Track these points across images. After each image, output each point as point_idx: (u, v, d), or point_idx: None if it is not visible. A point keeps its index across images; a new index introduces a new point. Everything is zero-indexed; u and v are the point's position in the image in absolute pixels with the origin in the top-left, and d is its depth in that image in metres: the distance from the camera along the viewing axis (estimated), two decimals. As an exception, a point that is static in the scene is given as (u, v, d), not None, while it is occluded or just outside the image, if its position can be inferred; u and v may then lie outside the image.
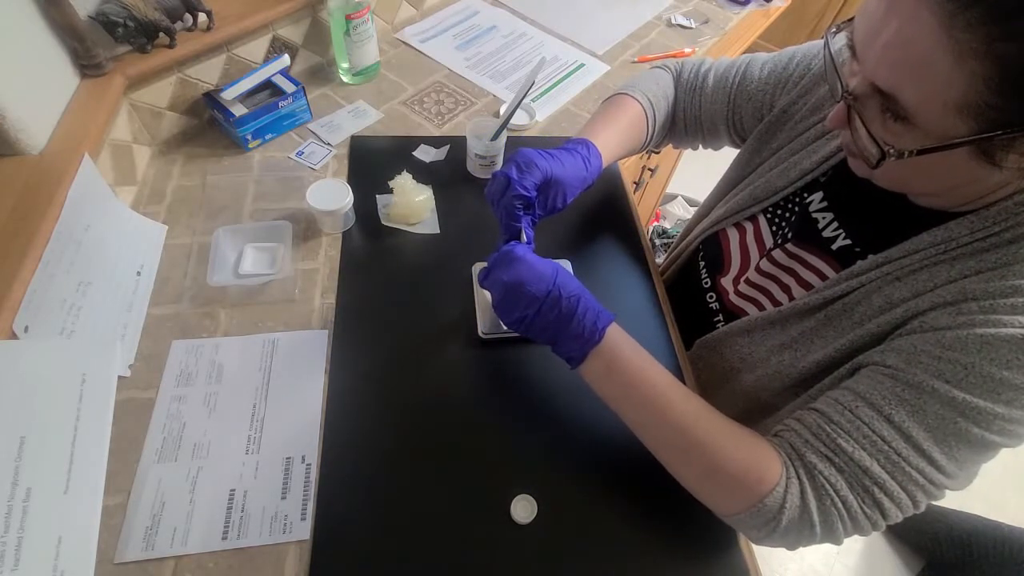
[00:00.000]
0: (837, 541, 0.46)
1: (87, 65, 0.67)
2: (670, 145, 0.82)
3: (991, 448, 0.42)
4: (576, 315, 0.50)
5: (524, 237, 0.57)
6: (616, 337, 0.52)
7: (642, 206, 1.62)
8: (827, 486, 0.44)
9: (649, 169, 1.35)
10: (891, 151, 0.40)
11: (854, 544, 1.46)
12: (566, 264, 0.72)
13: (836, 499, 0.44)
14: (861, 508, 0.44)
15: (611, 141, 0.67)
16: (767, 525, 0.46)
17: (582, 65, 1.05)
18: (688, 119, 0.74)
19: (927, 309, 0.46)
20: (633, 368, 0.51)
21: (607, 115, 0.70)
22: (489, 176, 0.82)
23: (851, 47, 0.42)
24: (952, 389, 0.41)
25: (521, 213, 0.56)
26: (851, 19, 0.43)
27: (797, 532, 0.45)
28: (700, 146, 0.79)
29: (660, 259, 0.89)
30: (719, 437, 0.48)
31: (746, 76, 0.69)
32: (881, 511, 0.44)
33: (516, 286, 0.51)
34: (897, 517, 0.44)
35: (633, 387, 0.51)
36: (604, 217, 0.81)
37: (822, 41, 0.63)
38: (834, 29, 0.45)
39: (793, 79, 0.65)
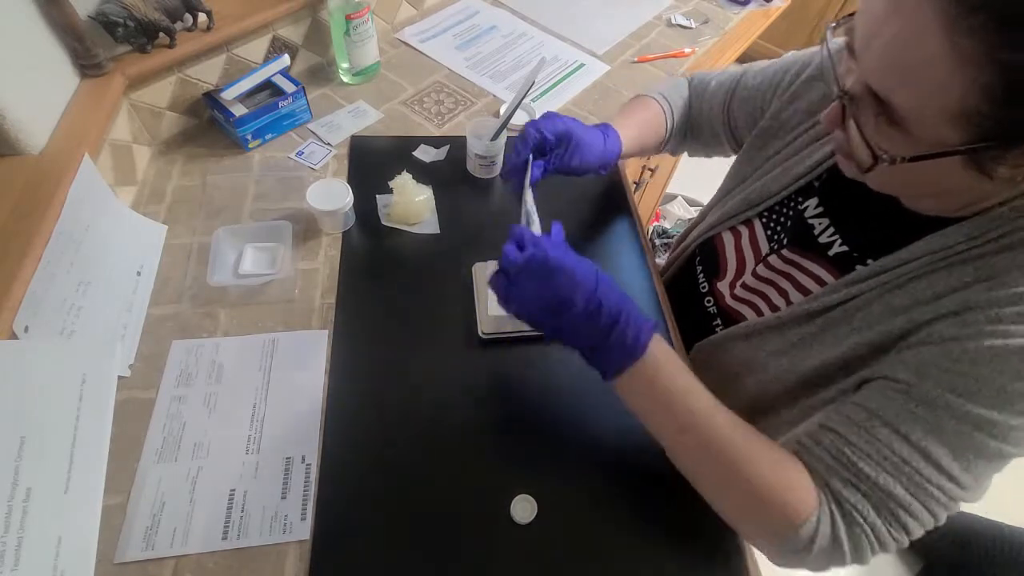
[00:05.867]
0: (865, 563, 0.46)
1: (87, 65, 0.67)
2: (685, 154, 0.84)
3: (1007, 458, 0.42)
4: (617, 325, 0.47)
5: (529, 176, 0.60)
6: (658, 353, 0.48)
7: (642, 206, 1.62)
8: (855, 514, 0.44)
9: (649, 169, 1.35)
10: (884, 156, 0.39)
11: (854, 544, 1.45)
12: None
13: (865, 526, 0.44)
14: (888, 531, 0.44)
15: (631, 131, 0.70)
16: (796, 555, 0.45)
17: (582, 65, 1.05)
18: (693, 125, 0.77)
19: (931, 319, 0.45)
20: (675, 387, 0.48)
21: (627, 111, 0.74)
22: (489, 176, 0.82)
23: (850, 45, 0.41)
24: (966, 403, 0.41)
25: (530, 147, 0.60)
26: (852, 14, 0.42)
27: (827, 558, 0.45)
28: (711, 154, 0.80)
29: (660, 259, 0.89)
30: (759, 465, 0.46)
31: (741, 82, 0.71)
32: (906, 531, 0.44)
33: (553, 300, 0.47)
34: (920, 533, 0.44)
35: (673, 406, 0.48)
36: (604, 217, 0.81)
37: (818, 48, 0.63)
38: (834, 24, 0.44)
39: (784, 84, 0.65)
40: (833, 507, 0.45)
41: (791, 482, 0.46)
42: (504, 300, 0.50)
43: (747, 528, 0.50)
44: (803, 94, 0.63)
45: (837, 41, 0.44)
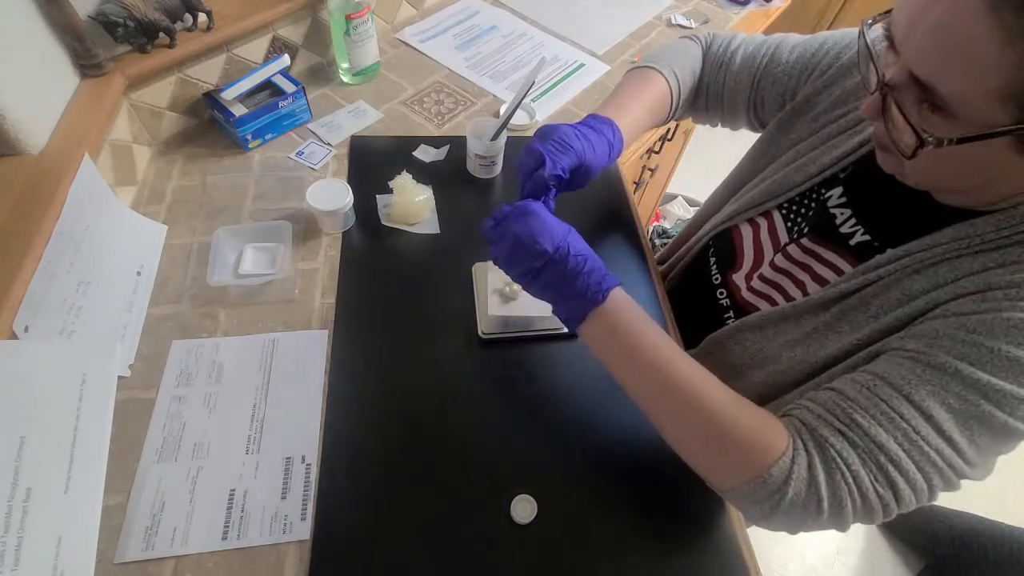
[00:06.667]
0: (844, 525, 0.43)
1: (87, 65, 0.67)
2: (689, 119, 0.80)
3: (1013, 436, 0.40)
4: (582, 274, 0.49)
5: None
6: (620, 301, 0.50)
7: (642, 206, 1.62)
8: (838, 459, 0.42)
9: (649, 169, 1.35)
10: (930, 139, 0.39)
11: (854, 543, 1.46)
12: None
13: (847, 473, 0.42)
14: (873, 486, 0.42)
15: (635, 123, 0.66)
16: (770, 499, 0.43)
17: (582, 65, 1.05)
18: (711, 95, 0.73)
19: (949, 300, 0.45)
20: (636, 332, 0.50)
21: (632, 92, 0.68)
22: (489, 176, 0.82)
23: (889, 37, 0.42)
24: (976, 371, 0.40)
25: (549, 191, 0.57)
26: (888, 11, 0.42)
27: (803, 509, 0.43)
28: (719, 124, 0.77)
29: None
30: (725, 405, 0.46)
31: (774, 58, 0.67)
32: (894, 492, 0.42)
33: (526, 238, 0.50)
34: (911, 502, 0.42)
35: (636, 351, 0.49)
36: (604, 217, 0.81)
37: (855, 30, 0.61)
38: (870, 20, 0.45)
39: (820, 67, 0.63)
40: (814, 450, 0.43)
41: (761, 422, 0.45)
42: (488, 241, 0.54)
43: (718, 473, 0.48)
44: (839, 80, 0.61)
45: (874, 33, 0.44)
